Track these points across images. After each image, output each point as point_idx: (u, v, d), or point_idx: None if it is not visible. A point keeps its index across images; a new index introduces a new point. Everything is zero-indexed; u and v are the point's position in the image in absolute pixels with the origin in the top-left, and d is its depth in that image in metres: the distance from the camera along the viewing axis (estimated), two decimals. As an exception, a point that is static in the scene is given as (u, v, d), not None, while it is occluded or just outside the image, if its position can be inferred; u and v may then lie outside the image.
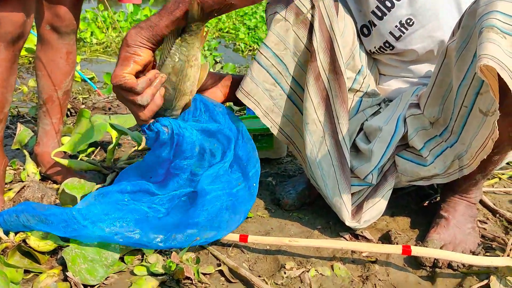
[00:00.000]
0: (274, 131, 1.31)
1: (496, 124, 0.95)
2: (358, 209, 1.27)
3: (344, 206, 1.23)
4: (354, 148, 1.28)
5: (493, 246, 1.24)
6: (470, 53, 0.99)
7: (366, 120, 1.30)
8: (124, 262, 1.09)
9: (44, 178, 1.55)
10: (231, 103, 2.57)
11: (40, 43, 1.45)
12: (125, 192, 1.10)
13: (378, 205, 1.26)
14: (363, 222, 1.24)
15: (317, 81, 1.19)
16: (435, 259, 1.15)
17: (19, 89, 3.13)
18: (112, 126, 1.51)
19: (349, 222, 1.24)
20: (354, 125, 1.29)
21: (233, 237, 1.18)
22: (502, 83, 0.82)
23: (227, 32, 5.80)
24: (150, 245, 1.08)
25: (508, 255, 1.14)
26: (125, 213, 1.07)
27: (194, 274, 0.98)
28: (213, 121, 1.16)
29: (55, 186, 1.50)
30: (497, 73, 0.81)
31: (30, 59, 3.69)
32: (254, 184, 1.23)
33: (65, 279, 0.99)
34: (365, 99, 1.33)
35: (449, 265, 1.15)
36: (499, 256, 1.15)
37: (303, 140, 1.27)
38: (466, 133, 1.09)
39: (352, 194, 1.27)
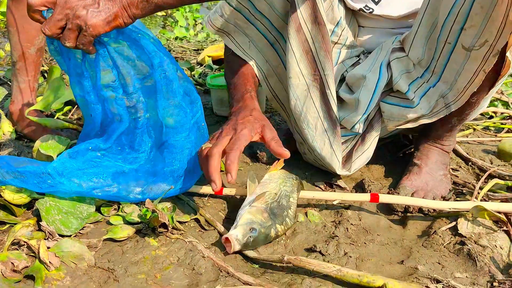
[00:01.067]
0: (254, 65, 1.30)
1: (491, 56, 0.99)
2: (347, 157, 1.29)
3: (335, 156, 1.25)
4: (338, 99, 1.28)
5: (464, 191, 1.27)
6: None
7: (346, 71, 1.30)
8: (101, 213, 1.10)
9: (21, 136, 1.54)
10: (210, 62, 2.54)
11: (11, -3, 1.41)
12: (98, 150, 1.09)
13: (366, 152, 1.29)
14: (353, 170, 1.28)
15: (298, 33, 1.17)
16: (406, 204, 1.19)
17: (-5, 52, 3.05)
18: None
19: (340, 171, 1.26)
20: (334, 76, 1.29)
21: (208, 189, 1.19)
22: None
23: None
24: (128, 198, 1.09)
25: (476, 198, 1.17)
26: (102, 169, 1.07)
27: (168, 220, 1.00)
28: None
29: (31, 144, 1.49)
30: None
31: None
32: (203, 124, 1.20)
33: (41, 229, 0.99)
34: (344, 51, 1.32)
35: (420, 210, 1.18)
36: (469, 200, 1.18)
37: (287, 94, 1.27)
38: (449, 71, 1.11)
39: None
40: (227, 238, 0.97)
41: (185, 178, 1.13)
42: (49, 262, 0.90)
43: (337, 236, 1.07)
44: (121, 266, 0.93)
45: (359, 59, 1.34)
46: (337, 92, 1.28)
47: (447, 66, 1.10)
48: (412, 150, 1.41)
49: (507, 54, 0.99)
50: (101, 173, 1.07)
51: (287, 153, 1.02)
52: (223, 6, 1.25)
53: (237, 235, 0.97)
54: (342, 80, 1.31)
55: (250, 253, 1.00)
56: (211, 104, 1.89)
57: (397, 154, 1.50)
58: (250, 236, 0.98)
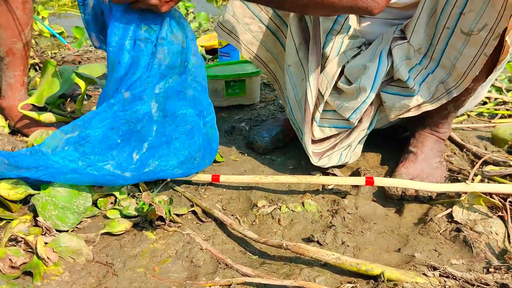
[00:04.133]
0: (255, 62, 1.37)
1: (492, 40, 1.00)
2: (331, 148, 1.29)
3: (306, 147, 1.26)
4: (336, 90, 1.28)
5: (459, 178, 1.28)
6: None
7: (347, 62, 1.29)
8: (97, 207, 1.10)
9: (14, 131, 1.52)
10: (204, 51, 2.53)
11: (-7, -5, 1.39)
12: (91, 118, 1.05)
13: (350, 149, 1.30)
14: (332, 163, 1.29)
15: (300, 21, 1.18)
16: (402, 192, 1.19)
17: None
18: (79, 75, 1.48)
19: (315, 161, 1.27)
20: (335, 67, 1.27)
21: (205, 177, 1.19)
22: None
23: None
24: (123, 177, 1.05)
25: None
26: (95, 142, 1.04)
27: (165, 213, 1.00)
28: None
29: (25, 139, 1.48)
30: None
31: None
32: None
33: (37, 224, 0.99)
34: (346, 40, 1.31)
35: (416, 198, 1.19)
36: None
37: (279, 67, 1.28)
38: (447, 56, 1.11)
39: (331, 137, 1.29)
40: None
41: (187, 163, 1.12)
42: (47, 257, 0.89)
43: (334, 225, 1.07)
44: (119, 260, 0.93)
45: (361, 50, 1.33)
46: (336, 83, 1.27)
47: (445, 51, 1.10)
48: (408, 137, 1.41)
49: (506, 38, 1.00)
50: (95, 148, 1.04)
51: None
52: (233, 2, 1.28)
53: None
54: (342, 71, 1.29)
55: (250, 234, 1.00)
56: (205, 95, 1.88)
57: (393, 142, 1.50)
58: None
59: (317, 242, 1.02)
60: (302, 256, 0.95)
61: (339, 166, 1.34)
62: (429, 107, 1.19)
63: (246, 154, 1.43)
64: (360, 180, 1.14)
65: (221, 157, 1.37)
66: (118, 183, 1.07)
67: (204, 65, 1.13)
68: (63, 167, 1.00)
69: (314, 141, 1.29)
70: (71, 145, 1.02)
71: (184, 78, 1.09)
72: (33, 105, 1.52)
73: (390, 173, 1.31)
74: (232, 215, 1.13)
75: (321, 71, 1.27)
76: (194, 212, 1.11)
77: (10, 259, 0.89)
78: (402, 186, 1.16)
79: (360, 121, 1.27)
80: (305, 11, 1.01)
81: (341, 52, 1.29)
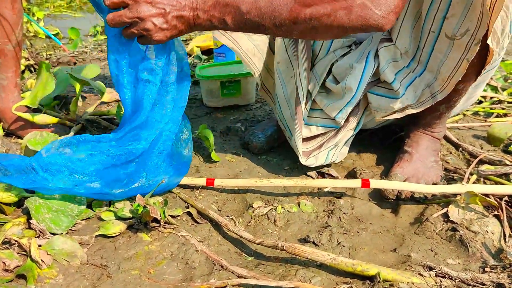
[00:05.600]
0: (258, 80, 1.33)
1: (473, 45, 0.99)
2: (318, 148, 1.29)
3: (296, 145, 1.25)
4: (324, 88, 1.28)
5: (455, 177, 1.27)
6: None
7: (336, 60, 1.29)
8: (92, 209, 1.09)
9: (8, 133, 1.52)
10: (199, 52, 2.52)
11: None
12: (86, 141, 1.07)
13: (337, 149, 1.29)
14: (320, 162, 1.28)
15: None
16: (398, 192, 1.19)
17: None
18: (73, 76, 1.47)
19: (303, 160, 1.26)
20: (324, 65, 1.28)
21: (200, 181, 1.19)
22: None
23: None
24: (112, 194, 1.06)
25: (467, 183, 1.18)
26: (86, 164, 1.03)
27: (160, 215, 0.99)
28: None
29: (20, 141, 1.47)
30: None
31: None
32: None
33: (31, 227, 0.98)
34: (336, 40, 1.31)
35: (412, 197, 1.19)
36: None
37: (273, 80, 1.26)
38: (434, 60, 1.10)
39: (318, 136, 1.28)
40: None
41: (173, 175, 1.12)
42: (41, 260, 0.89)
43: (330, 225, 1.07)
44: (114, 262, 0.93)
45: (351, 49, 1.32)
46: (324, 81, 1.27)
47: (432, 55, 1.10)
48: (403, 137, 1.41)
49: (488, 42, 0.99)
50: (85, 168, 1.03)
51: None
52: None
53: None
54: (330, 69, 1.29)
55: (246, 235, 1.00)
56: (200, 96, 1.88)
57: (388, 142, 1.50)
58: None
59: (313, 242, 1.02)
60: (297, 256, 0.94)
61: (327, 165, 1.33)
62: (413, 111, 1.19)
63: (241, 155, 1.42)
64: (356, 183, 1.14)
65: (217, 157, 1.37)
66: (107, 199, 1.09)
67: (188, 85, 1.14)
68: (52, 184, 0.99)
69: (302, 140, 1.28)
70: (61, 164, 1.01)
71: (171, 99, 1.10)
72: (27, 106, 1.52)
73: (386, 173, 1.31)
74: (227, 216, 1.12)
75: (311, 69, 1.26)
76: (189, 213, 1.10)
77: (3, 262, 0.89)
78: (398, 188, 1.16)
79: (347, 120, 1.27)
80: (315, 37, 0.97)
81: (331, 50, 1.29)
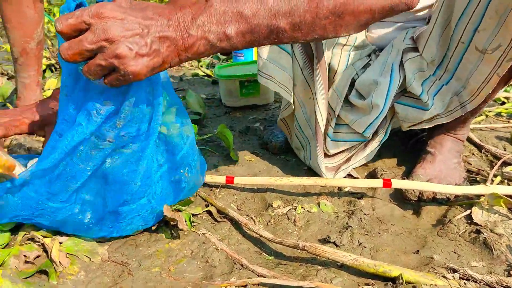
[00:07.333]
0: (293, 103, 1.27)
1: (505, 62, 0.96)
2: (346, 161, 1.28)
3: (319, 165, 1.24)
4: (348, 103, 1.26)
5: (477, 179, 1.25)
6: None
7: (357, 74, 1.26)
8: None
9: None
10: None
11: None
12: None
13: (366, 158, 1.29)
14: (345, 174, 1.28)
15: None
16: (420, 193, 1.17)
17: (2, 47, 3.07)
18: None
19: (331, 176, 1.26)
20: (344, 80, 1.25)
21: (219, 179, 1.19)
22: None
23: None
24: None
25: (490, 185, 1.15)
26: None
27: (186, 222, 1.00)
28: None
29: (42, 138, 1.49)
30: None
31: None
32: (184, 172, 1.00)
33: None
34: (353, 52, 1.28)
35: (434, 199, 1.17)
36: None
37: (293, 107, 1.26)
38: (462, 69, 1.08)
39: (344, 150, 1.27)
40: None
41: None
42: (59, 261, 0.89)
43: (350, 226, 1.05)
44: (134, 259, 0.93)
45: (370, 60, 1.30)
46: (347, 96, 1.25)
47: (461, 64, 1.08)
48: (425, 138, 1.39)
49: None
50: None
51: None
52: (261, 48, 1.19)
53: None
54: (352, 83, 1.26)
55: (266, 234, 1.00)
56: (219, 95, 1.88)
57: (410, 143, 1.48)
58: None
59: (334, 243, 1.01)
60: (318, 257, 0.93)
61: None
62: (443, 120, 1.17)
63: (260, 154, 1.42)
64: (377, 183, 1.13)
65: (236, 156, 1.37)
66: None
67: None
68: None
69: (327, 155, 1.27)
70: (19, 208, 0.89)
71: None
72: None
73: (407, 174, 1.29)
74: (247, 215, 1.12)
75: (330, 85, 1.25)
76: (209, 212, 1.10)
77: (24, 255, 0.90)
78: (420, 189, 1.14)
79: (375, 133, 1.25)
80: (339, 30, 0.80)
81: (350, 64, 1.27)
